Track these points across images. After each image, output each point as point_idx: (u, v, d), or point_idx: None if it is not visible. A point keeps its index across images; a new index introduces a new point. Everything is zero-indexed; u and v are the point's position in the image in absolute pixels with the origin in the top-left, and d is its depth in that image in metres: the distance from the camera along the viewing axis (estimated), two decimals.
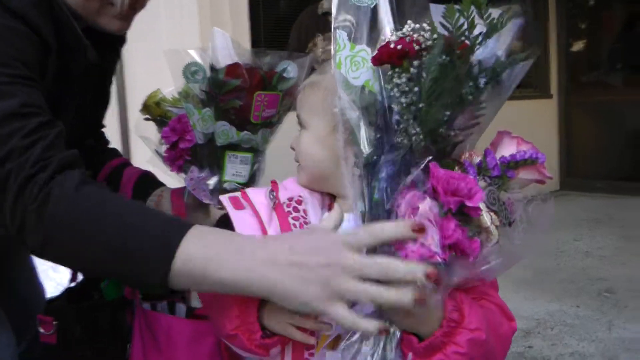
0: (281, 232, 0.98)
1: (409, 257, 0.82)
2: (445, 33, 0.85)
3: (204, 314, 1.20)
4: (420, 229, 0.80)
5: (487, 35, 0.86)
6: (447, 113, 0.84)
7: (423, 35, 0.85)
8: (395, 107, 0.86)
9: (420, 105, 0.84)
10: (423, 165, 0.85)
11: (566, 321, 3.24)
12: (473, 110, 0.88)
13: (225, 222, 1.07)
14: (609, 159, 6.40)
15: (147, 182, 1.54)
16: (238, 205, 1.04)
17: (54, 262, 0.98)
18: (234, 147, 1.45)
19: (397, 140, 0.86)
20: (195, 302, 1.43)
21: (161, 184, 1.55)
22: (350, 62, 0.89)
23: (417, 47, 0.83)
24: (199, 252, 0.89)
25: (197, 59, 1.41)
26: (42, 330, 1.35)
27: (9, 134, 0.94)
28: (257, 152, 1.48)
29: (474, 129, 0.90)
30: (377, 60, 0.88)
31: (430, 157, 0.85)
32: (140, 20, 1.43)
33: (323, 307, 0.83)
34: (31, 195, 0.91)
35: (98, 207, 0.93)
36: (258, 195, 1.06)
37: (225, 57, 1.41)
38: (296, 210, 1.03)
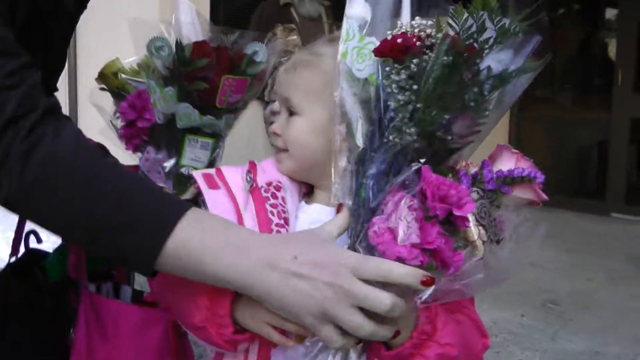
0: (257, 217, 0.93)
1: (386, 255, 0.80)
2: (452, 33, 0.83)
3: (160, 299, 1.13)
4: (429, 282, 0.79)
5: (497, 41, 0.83)
6: (446, 117, 0.82)
7: (426, 32, 0.82)
8: (392, 104, 0.84)
9: (418, 105, 0.82)
10: (415, 167, 0.83)
11: (511, 330, 3.28)
12: (474, 118, 0.86)
13: (195, 201, 1.01)
14: (558, 174, 6.55)
15: None
16: (212, 184, 0.97)
17: (26, 216, 0.89)
18: (195, 130, 1.39)
19: (390, 138, 0.84)
20: (139, 286, 1.38)
21: (116, 160, 1.46)
22: (357, 54, 0.87)
23: (418, 44, 0.81)
24: (196, 239, 0.83)
25: (164, 33, 1.34)
26: None
27: None
28: (218, 137, 1.43)
29: (473, 137, 0.88)
30: (379, 52, 0.85)
31: (424, 160, 0.83)
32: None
33: (316, 324, 0.81)
34: (17, 136, 0.82)
35: (96, 166, 0.86)
36: (234, 175, 1.00)
37: (189, 31, 1.35)
38: (274, 196, 0.97)
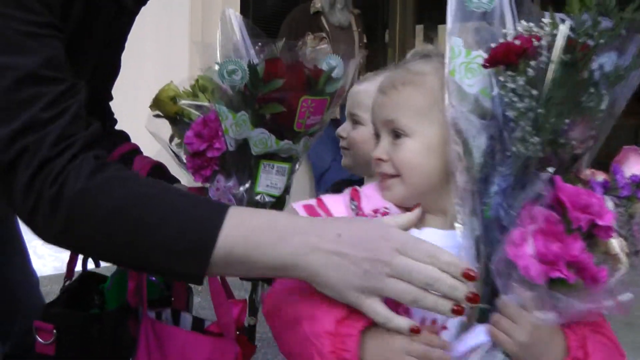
0: None
1: (527, 270, 0.76)
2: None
3: (276, 338, 1.04)
4: (470, 277, 0.79)
5: (610, 38, 0.79)
6: (567, 121, 0.78)
7: (543, 29, 0.78)
8: (511, 114, 0.79)
9: (539, 110, 0.77)
10: (546, 177, 0.78)
11: None
12: (591, 120, 0.81)
13: None
14: None
15: (161, 176, 1.37)
16: (314, 216, 0.93)
17: (71, 250, 0.93)
18: (270, 155, 1.30)
19: (513, 150, 0.79)
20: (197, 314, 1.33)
21: (175, 180, 1.41)
22: (465, 69, 0.84)
23: (536, 43, 0.77)
24: (240, 245, 0.85)
25: (232, 55, 1.25)
26: (39, 339, 1.18)
27: (28, 101, 0.85)
28: (295, 161, 1.34)
29: (591, 142, 0.83)
30: (491, 61, 0.81)
31: (554, 169, 0.79)
32: None
33: (357, 299, 0.82)
34: (47, 180, 0.84)
35: (118, 198, 0.86)
36: (337, 204, 0.95)
37: (240, 46, 1.27)
38: None
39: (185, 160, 1.36)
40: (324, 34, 4.13)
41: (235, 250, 0.84)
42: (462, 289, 0.79)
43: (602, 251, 0.77)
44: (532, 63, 0.77)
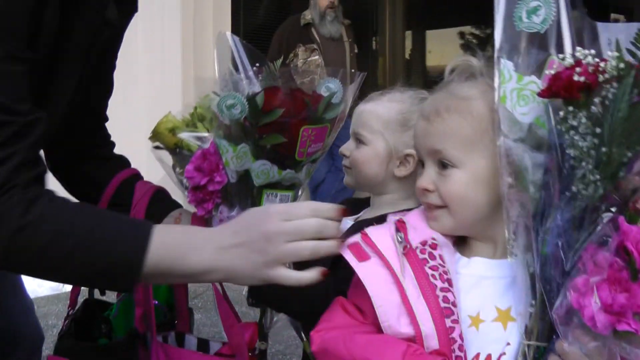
0: (418, 284, 0.85)
1: (595, 323, 0.71)
2: (632, 60, 0.71)
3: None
4: (345, 212, 0.93)
5: None
6: (629, 154, 0.71)
7: (610, 63, 0.71)
8: (572, 152, 0.73)
9: (603, 149, 0.71)
10: (608, 218, 0.73)
11: None
12: None
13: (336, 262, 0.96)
14: None
15: (163, 201, 1.37)
16: (361, 255, 0.89)
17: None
18: (273, 184, 1.28)
19: (574, 190, 0.73)
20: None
21: (177, 205, 1.40)
22: (517, 96, 0.77)
23: (601, 78, 0.69)
24: (164, 255, 0.93)
25: (230, 86, 1.24)
26: None
27: None
28: (297, 187, 1.32)
29: None
30: (548, 93, 0.74)
31: (615, 209, 0.73)
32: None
33: (267, 274, 0.91)
34: None
35: (49, 232, 0.91)
36: (383, 238, 0.90)
37: (237, 69, 1.25)
38: (432, 257, 0.87)
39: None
40: (314, 46, 4.11)
41: (160, 265, 0.93)
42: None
43: None
44: (597, 100, 0.70)
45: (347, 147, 1.36)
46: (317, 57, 4.05)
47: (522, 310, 0.82)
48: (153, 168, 1.45)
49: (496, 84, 0.79)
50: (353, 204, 1.40)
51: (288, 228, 0.90)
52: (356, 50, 4.50)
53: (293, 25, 4.22)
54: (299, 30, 4.18)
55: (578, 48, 0.74)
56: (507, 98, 0.78)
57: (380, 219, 0.98)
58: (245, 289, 1.27)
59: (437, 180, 0.90)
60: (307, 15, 4.20)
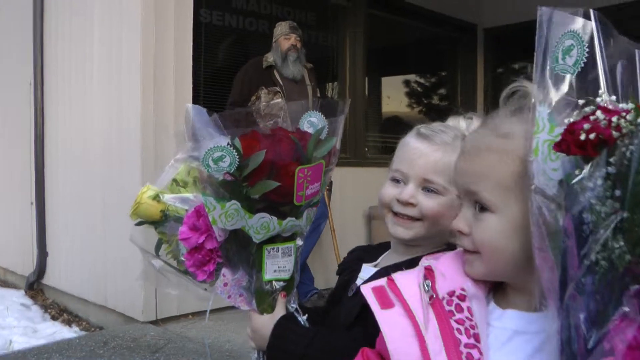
0: (442, 338, 0.78)
1: None
2: None
3: None
4: None
5: None
6: None
7: (625, 118, 0.62)
8: (589, 216, 0.64)
9: (625, 214, 0.61)
10: (635, 290, 0.62)
11: None
12: None
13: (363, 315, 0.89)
14: None
15: None
16: (385, 302, 0.83)
17: None
18: (272, 238, 1.17)
19: (593, 259, 0.63)
20: None
21: None
22: (548, 149, 0.68)
23: (616, 134, 0.61)
24: None
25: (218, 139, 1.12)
26: None
27: None
28: (300, 236, 1.21)
29: None
30: (563, 147, 0.66)
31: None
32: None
33: None
34: None
35: None
36: (410, 285, 0.84)
37: (204, 136, 1.14)
38: (459, 309, 0.81)
39: (180, 266, 1.23)
40: (277, 88, 4.04)
41: None
42: None
43: None
44: (614, 159, 0.62)
45: (412, 195, 1.17)
46: (280, 99, 3.98)
47: None
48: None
49: (531, 133, 0.70)
50: (364, 251, 1.30)
51: None
52: (319, 94, 4.45)
53: (255, 67, 4.15)
54: (261, 73, 4.11)
55: (600, 92, 0.65)
56: (540, 150, 0.69)
57: (412, 263, 0.90)
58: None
59: (472, 222, 0.82)
60: (269, 58, 4.13)
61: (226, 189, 1.12)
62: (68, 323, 4.17)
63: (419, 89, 6.92)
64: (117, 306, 3.90)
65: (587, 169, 0.64)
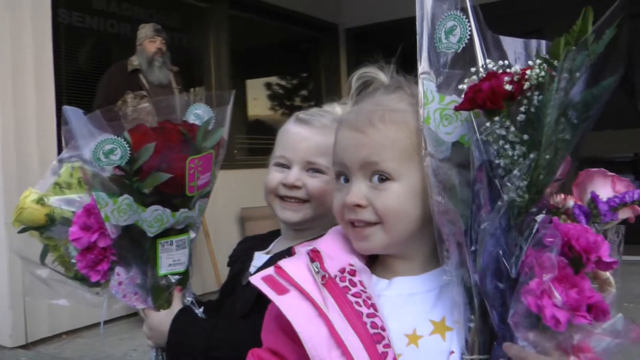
0: (343, 314, 0.79)
1: (556, 319, 0.70)
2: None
3: None
4: None
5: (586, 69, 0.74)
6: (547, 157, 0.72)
7: (535, 71, 0.71)
8: (501, 161, 0.72)
9: (531, 155, 0.71)
10: (541, 219, 0.73)
11: None
12: (572, 153, 0.77)
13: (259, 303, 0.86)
14: None
15: None
16: (279, 289, 0.81)
17: None
18: (165, 232, 1.16)
19: (506, 198, 0.72)
20: None
21: None
22: (441, 116, 0.77)
23: (527, 85, 0.69)
24: None
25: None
26: None
27: None
28: (193, 228, 1.20)
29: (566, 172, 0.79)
30: (470, 105, 0.73)
31: (545, 210, 0.74)
32: None
33: None
34: None
35: None
36: (298, 270, 0.82)
37: (84, 136, 1.10)
38: (353, 284, 0.82)
39: (69, 272, 1.18)
40: (144, 92, 3.93)
41: None
42: None
43: (592, 277, 0.74)
44: (523, 108, 0.70)
45: (298, 177, 1.19)
46: (147, 104, 3.86)
47: (457, 317, 0.80)
48: None
49: (420, 105, 0.79)
50: (255, 240, 1.31)
51: None
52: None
53: (120, 71, 4.00)
54: (126, 77, 3.96)
55: (488, 60, 0.75)
56: (431, 119, 0.78)
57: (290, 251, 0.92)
58: None
59: (370, 194, 0.83)
60: (135, 62, 3.99)
61: (117, 184, 1.09)
62: None
63: (281, 91, 7.00)
64: None
65: (498, 118, 0.71)
